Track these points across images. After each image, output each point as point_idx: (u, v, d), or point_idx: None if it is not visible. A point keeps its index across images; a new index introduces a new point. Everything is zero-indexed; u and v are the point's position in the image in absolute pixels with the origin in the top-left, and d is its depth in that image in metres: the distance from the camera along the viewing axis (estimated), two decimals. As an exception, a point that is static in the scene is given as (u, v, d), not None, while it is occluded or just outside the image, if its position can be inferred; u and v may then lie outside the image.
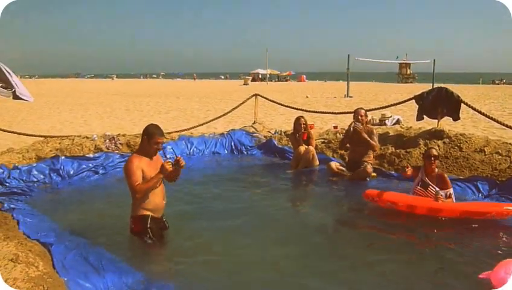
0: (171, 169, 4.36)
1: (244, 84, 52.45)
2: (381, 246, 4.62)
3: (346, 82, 30.47)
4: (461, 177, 6.77)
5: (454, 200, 5.48)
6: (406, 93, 19.22)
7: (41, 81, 67.85)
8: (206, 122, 10.03)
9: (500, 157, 7.02)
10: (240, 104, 9.96)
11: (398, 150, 7.77)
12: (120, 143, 8.33)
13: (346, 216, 5.87)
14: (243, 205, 5.84)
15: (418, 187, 5.61)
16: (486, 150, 7.29)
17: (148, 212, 4.44)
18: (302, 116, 8.01)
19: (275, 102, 10.16)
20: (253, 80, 64.70)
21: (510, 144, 7.40)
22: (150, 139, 4.41)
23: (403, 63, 65.83)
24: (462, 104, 7.92)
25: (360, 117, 7.15)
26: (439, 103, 7.92)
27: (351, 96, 28.33)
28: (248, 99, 10.07)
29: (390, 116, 13.23)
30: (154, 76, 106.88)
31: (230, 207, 5.72)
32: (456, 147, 7.52)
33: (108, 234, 4.66)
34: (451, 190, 5.46)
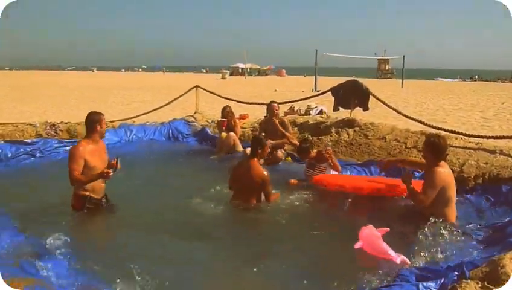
0: (111, 175, 4.71)
1: (221, 78, 52.99)
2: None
3: (318, 76, 31.51)
4: (359, 161, 7.58)
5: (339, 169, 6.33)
6: (376, 87, 19.87)
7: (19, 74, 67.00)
8: (147, 112, 10.72)
9: (397, 143, 7.81)
10: (179, 96, 10.70)
11: (311, 137, 8.55)
12: (60, 130, 9.00)
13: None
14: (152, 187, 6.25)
15: (307, 169, 6.46)
16: (387, 137, 8.08)
17: (87, 193, 4.84)
18: (228, 106, 8.78)
19: (213, 93, 10.89)
20: (233, 74, 65.13)
21: (413, 132, 8.20)
22: (95, 124, 4.86)
23: (381, 59, 66.11)
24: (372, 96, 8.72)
25: (275, 111, 8.06)
26: (351, 94, 8.67)
27: (318, 90, 29.13)
28: (188, 91, 10.81)
29: (315, 107, 13.90)
30: (136, 69, 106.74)
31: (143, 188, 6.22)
32: (362, 135, 8.33)
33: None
34: (329, 160, 6.20)
